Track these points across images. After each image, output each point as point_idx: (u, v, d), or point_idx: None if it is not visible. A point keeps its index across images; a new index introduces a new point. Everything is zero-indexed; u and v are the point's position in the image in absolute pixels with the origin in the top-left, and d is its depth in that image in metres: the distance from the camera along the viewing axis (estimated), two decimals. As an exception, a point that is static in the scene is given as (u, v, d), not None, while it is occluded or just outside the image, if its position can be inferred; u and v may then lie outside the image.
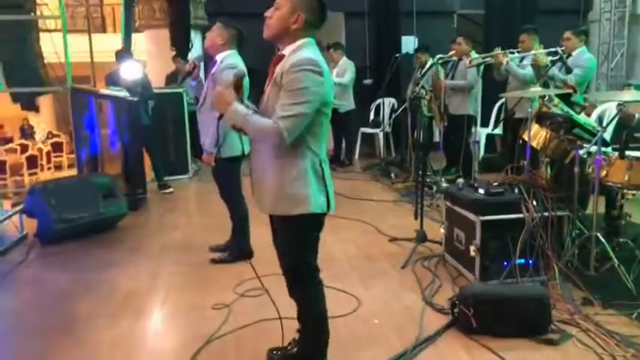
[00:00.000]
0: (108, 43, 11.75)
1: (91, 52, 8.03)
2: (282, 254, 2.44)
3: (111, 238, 4.83)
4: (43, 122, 16.58)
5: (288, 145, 2.14)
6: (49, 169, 12.46)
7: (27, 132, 15.80)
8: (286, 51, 2.24)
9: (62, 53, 6.22)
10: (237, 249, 4.05)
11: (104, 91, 5.93)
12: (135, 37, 8.60)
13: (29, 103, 10.64)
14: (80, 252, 4.48)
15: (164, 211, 5.72)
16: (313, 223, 2.31)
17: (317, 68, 2.14)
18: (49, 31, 7.84)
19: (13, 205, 6.01)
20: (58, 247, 4.56)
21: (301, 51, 2.19)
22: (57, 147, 13.42)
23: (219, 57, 3.74)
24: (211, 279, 3.80)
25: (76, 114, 6.00)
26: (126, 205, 5.15)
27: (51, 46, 7.06)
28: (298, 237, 2.35)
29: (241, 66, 3.70)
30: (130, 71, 6.05)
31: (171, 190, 6.57)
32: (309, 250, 2.40)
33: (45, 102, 15.08)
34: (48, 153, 12.71)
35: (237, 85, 2.32)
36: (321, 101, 2.17)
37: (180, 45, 7.79)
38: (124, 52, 6.44)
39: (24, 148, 12.03)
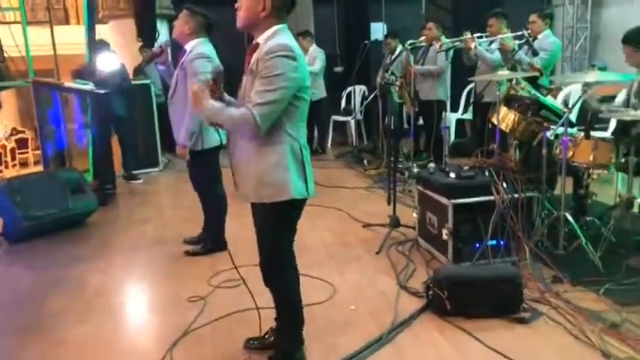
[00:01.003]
0: (71, 36, 11.45)
1: (54, 44, 7.80)
2: (261, 239, 2.43)
3: (80, 234, 4.74)
4: (5, 119, 16.11)
5: (263, 132, 2.13)
6: (14, 166, 12.13)
7: (-12, 129, 15.32)
8: (260, 39, 2.21)
9: (23, 46, 6.03)
10: (211, 240, 4.02)
11: (68, 84, 5.77)
12: (99, 28, 8.38)
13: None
14: (48, 249, 4.38)
15: (134, 206, 5.63)
16: (292, 208, 2.31)
17: (291, 53, 2.12)
18: (8, 23, 7.57)
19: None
20: (25, 245, 4.46)
21: (275, 38, 2.17)
22: (22, 143, 13.06)
23: (188, 46, 3.64)
24: (185, 272, 3.76)
25: (40, 108, 5.84)
26: (95, 201, 5.05)
27: (11, 39, 6.83)
28: (277, 222, 2.34)
29: (212, 54, 3.63)
30: (107, 63, 5.90)
31: (140, 181, 6.48)
32: (288, 236, 2.40)
33: (7, 97, 14.63)
34: (12, 150, 12.37)
35: (216, 81, 2.31)
36: (297, 86, 2.16)
37: (147, 35, 7.62)
38: (100, 44, 6.24)
39: (-14, 146, 11.68)
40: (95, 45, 6.19)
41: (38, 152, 12.94)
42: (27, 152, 13.06)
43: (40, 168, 6.86)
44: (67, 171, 5.35)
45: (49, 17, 8.43)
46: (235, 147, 2.34)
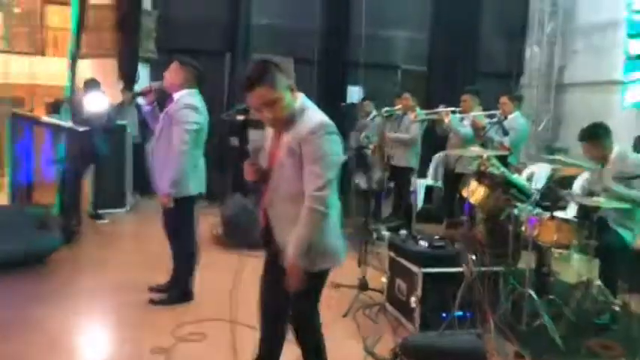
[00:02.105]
0: (48, 67, 11.40)
1: (31, 75, 7.77)
2: (295, 302, 2.44)
3: (41, 271, 4.59)
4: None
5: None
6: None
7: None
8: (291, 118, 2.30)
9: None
10: (178, 290, 3.96)
11: (46, 118, 5.73)
12: (80, 63, 8.40)
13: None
14: (7, 286, 4.23)
15: (99, 246, 5.52)
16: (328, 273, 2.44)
17: (332, 129, 2.26)
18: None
19: None
20: (-18, 280, 4.29)
21: (308, 113, 2.29)
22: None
23: (176, 95, 3.71)
24: (148, 321, 3.68)
25: (12, 140, 5.75)
26: (59, 238, 4.93)
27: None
28: (315, 287, 2.42)
29: (200, 106, 3.71)
30: (96, 103, 5.88)
31: (105, 220, 6.37)
32: (319, 298, 2.50)
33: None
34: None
35: (256, 159, 2.44)
36: (341, 156, 2.30)
37: (127, 77, 7.68)
38: (91, 83, 6.23)
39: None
40: (86, 84, 6.19)
41: (0, 180, 12.58)
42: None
43: (1, 196, 6.68)
44: (34, 206, 5.24)
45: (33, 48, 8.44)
46: (278, 211, 2.38)
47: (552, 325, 3.43)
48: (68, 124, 5.50)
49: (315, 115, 2.29)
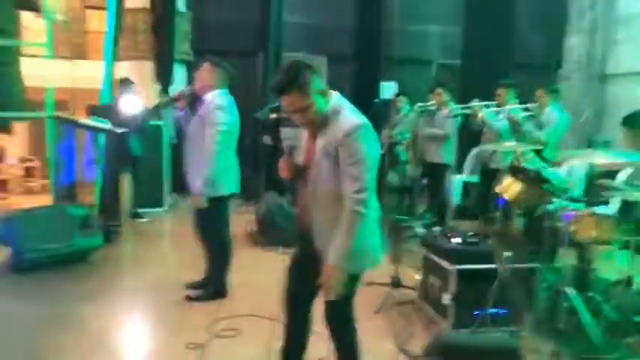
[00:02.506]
0: (88, 70, 11.75)
1: (73, 78, 8.03)
2: (332, 303, 2.45)
3: (84, 270, 4.76)
4: (15, 146, 16.28)
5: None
6: (19, 193, 12.20)
7: (-3, 155, 15.47)
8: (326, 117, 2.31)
9: (41, 77, 6.21)
10: (214, 287, 4.04)
11: (86, 121, 5.91)
12: (116, 66, 8.63)
13: (4, 127, 10.47)
14: (52, 284, 4.39)
15: (138, 246, 5.68)
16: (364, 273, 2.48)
17: (367, 129, 2.25)
18: (32, 56, 7.81)
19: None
20: (29, 277, 4.47)
21: (342, 114, 2.29)
22: (29, 171, 13.19)
23: (207, 97, 3.77)
24: (185, 317, 3.77)
25: (55, 142, 5.97)
26: (101, 238, 5.09)
27: (29, 69, 7.04)
28: (353, 288, 2.44)
29: (231, 106, 3.77)
30: (130, 105, 5.99)
31: (145, 220, 6.54)
32: (354, 297, 2.52)
33: (18, 125, 14.84)
34: (19, 177, 12.46)
35: (291, 156, 2.44)
36: (378, 155, 2.31)
37: (164, 79, 7.85)
38: (125, 83, 6.32)
39: (-5, 172, 11.79)
40: (120, 84, 6.31)
41: (44, 182, 13.03)
42: (33, 181, 13.16)
43: (45, 197, 6.94)
44: (77, 206, 5.41)
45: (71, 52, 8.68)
46: (321, 214, 2.38)
47: (591, 323, 3.34)
48: (107, 125, 5.65)
49: (349, 116, 2.28)
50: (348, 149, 2.21)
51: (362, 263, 2.38)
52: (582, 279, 3.89)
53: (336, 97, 2.35)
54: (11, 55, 7.96)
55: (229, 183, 3.80)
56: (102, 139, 6.14)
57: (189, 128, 3.87)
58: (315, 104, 2.28)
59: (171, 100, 4.11)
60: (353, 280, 2.39)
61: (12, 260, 4.58)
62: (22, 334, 3.48)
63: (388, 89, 9.05)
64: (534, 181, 4.01)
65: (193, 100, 3.93)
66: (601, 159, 3.68)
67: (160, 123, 7.23)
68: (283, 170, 2.44)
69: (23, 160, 14.11)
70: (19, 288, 4.31)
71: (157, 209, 7.13)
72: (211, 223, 3.92)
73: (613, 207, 4.46)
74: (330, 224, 2.31)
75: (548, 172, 4.16)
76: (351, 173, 2.21)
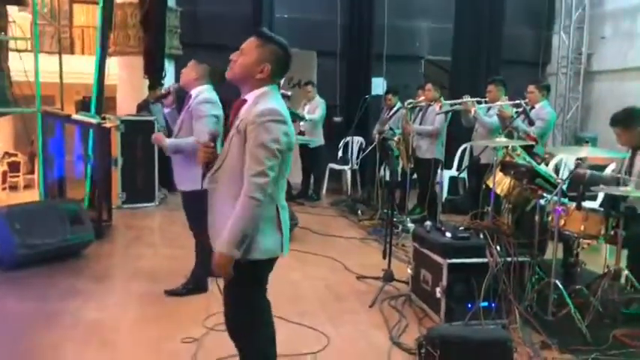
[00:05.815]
0: (75, 65, 11.66)
1: (61, 73, 7.95)
2: (229, 300, 2.39)
3: (75, 265, 4.74)
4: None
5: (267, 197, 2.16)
6: (4, 189, 12.10)
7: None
8: (249, 97, 2.27)
9: (29, 72, 6.16)
10: (194, 281, 4.06)
11: (75, 116, 5.88)
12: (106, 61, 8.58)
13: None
14: (43, 279, 4.38)
15: (130, 240, 5.66)
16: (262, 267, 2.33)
17: (281, 117, 2.18)
18: (19, 51, 7.74)
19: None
20: (20, 273, 4.44)
21: (265, 100, 2.21)
22: (14, 167, 13.08)
23: (194, 92, 3.86)
24: (180, 312, 3.78)
25: (44, 137, 5.93)
26: (92, 233, 5.07)
27: (17, 64, 6.98)
28: (246, 280, 2.29)
29: (216, 100, 3.82)
30: None
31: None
32: (256, 296, 2.40)
33: (2, 120, 14.70)
34: (4, 173, 12.36)
35: (214, 144, 2.39)
36: (288, 148, 2.21)
37: (154, 74, 7.81)
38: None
39: (-22, 167, 11.70)
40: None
41: (30, 177, 12.93)
42: (18, 176, 13.05)
43: (30, 192, 6.89)
44: (67, 201, 5.39)
45: (59, 48, 8.63)
46: (215, 201, 2.32)
47: (579, 315, 3.42)
48: (96, 120, 5.63)
49: (270, 102, 2.20)
50: (255, 131, 2.14)
51: (253, 253, 2.21)
52: (570, 272, 3.98)
53: (273, 89, 2.29)
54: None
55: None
56: (91, 134, 6.10)
57: (176, 124, 3.92)
58: (256, 64, 2.25)
59: (160, 97, 4.15)
60: (245, 270, 2.22)
61: (2, 256, 4.54)
62: (14, 330, 3.47)
63: (378, 85, 9.10)
64: (525, 176, 4.08)
65: (180, 97, 3.98)
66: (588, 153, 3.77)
67: (151, 118, 7.20)
68: (199, 156, 2.35)
69: (7, 156, 13.99)
70: (9, 284, 4.29)
71: (148, 204, 7.12)
72: (194, 216, 3.93)
73: (599, 201, 4.57)
74: (226, 206, 2.21)
75: (539, 167, 4.23)
76: (254, 154, 2.13)
